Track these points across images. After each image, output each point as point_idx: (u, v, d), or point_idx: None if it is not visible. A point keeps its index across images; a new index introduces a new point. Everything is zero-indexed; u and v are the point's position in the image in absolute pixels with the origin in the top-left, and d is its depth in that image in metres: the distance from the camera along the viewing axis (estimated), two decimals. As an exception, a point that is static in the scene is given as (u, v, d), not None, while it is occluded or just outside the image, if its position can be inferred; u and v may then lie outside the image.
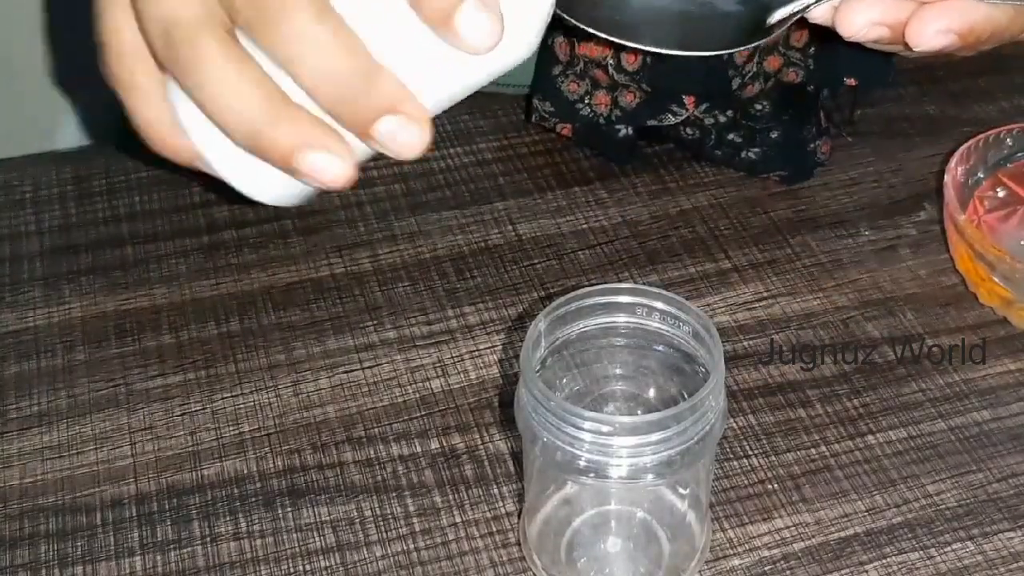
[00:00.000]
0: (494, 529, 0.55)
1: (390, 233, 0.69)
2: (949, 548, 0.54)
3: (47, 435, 0.58)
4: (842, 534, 0.54)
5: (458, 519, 0.55)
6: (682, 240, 0.68)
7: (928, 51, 0.50)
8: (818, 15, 0.51)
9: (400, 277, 0.66)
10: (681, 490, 0.53)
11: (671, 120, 0.70)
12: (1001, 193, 0.66)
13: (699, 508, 0.53)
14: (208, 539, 0.54)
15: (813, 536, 0.54)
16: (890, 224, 0.69)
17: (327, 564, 0.53)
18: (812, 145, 0.71)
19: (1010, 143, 0.67)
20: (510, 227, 0.69)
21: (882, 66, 0.71)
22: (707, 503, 0.53)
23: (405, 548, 0.54)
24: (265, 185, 0.47)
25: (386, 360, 0.62)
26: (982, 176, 0.66)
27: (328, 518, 0.55)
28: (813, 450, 0.58)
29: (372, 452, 0.58)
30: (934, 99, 0.77)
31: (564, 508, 0.54)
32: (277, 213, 0.70)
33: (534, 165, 0.73)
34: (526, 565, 0.53)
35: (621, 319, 0.51)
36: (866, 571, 0.53)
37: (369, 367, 0.62)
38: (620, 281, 0.65)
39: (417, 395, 0.60)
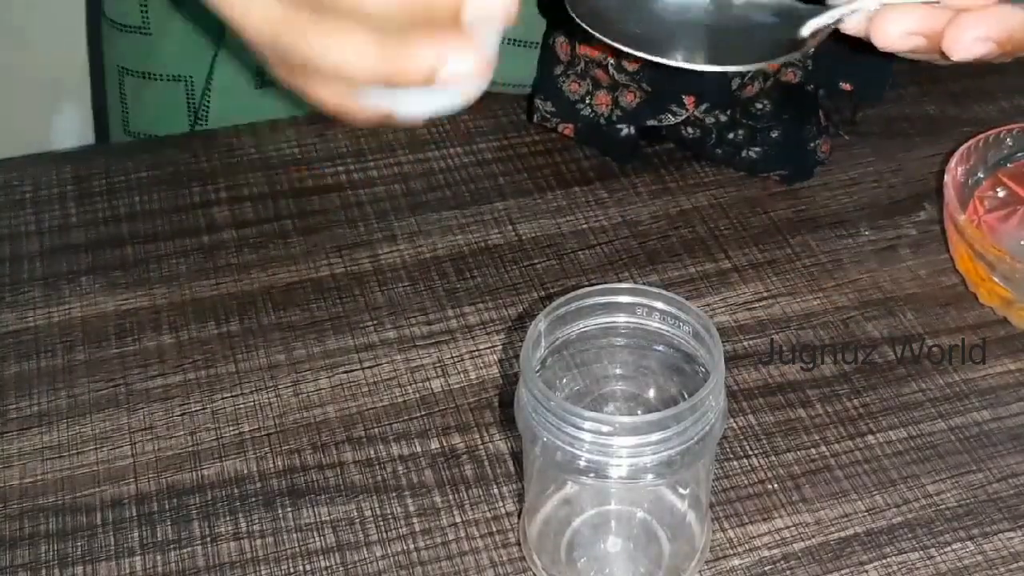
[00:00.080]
0: (494, 529, 0.55)
1: (390, 233, 0.69)
2: (949, 548, 0.54)
3: (47, 435, 0.58)
4: (842, 534, 0.54)
5: (458, 519, 0.55)
6: (682, 240, 0.68)
7: (966, 59, 0.50)
8: (852, 26, 0.50)
9: (400, 277, 0.66)
10: (681, 490, 0.53)
11: (671, 120, 0.70)
12: (1001, 193, 0.66)
13: (699, 508, 0.53)
14: (208, 539, 0.54)
15: (813, 536, 0.54)
16: (890, 224, 0.69)
17: (327, 564, 0.53)
18: (812, 144, 0.71)
19: (1010, 143, 0.67)
20: (510, 227, 0.69)
21: (879, 75, 0.71)
22: (707, 503, 0.53)
23: (405, 548, 0.54)
24: (426, 102, 0.49)
25: (386, 360, 0.62)
26: (982, 176, 0.66)
27: (328, 518, 0.55)
28: (813, 450, 0.58)
29: (372, 452, 0.58)
30: (934, 99, 0.77)
31: (564, 508, 0.54)
32: (277, 213, 0.70)
33: (534, 165, 0.73)
34: (526, 565, 0.53)
35: (621, 319, 0.51)
36: (866, 571, 0.53)
37: (369, 367, 0.62)
38: (620, 281, 0.65)
39: (417, 395, 0.60)
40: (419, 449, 0.58)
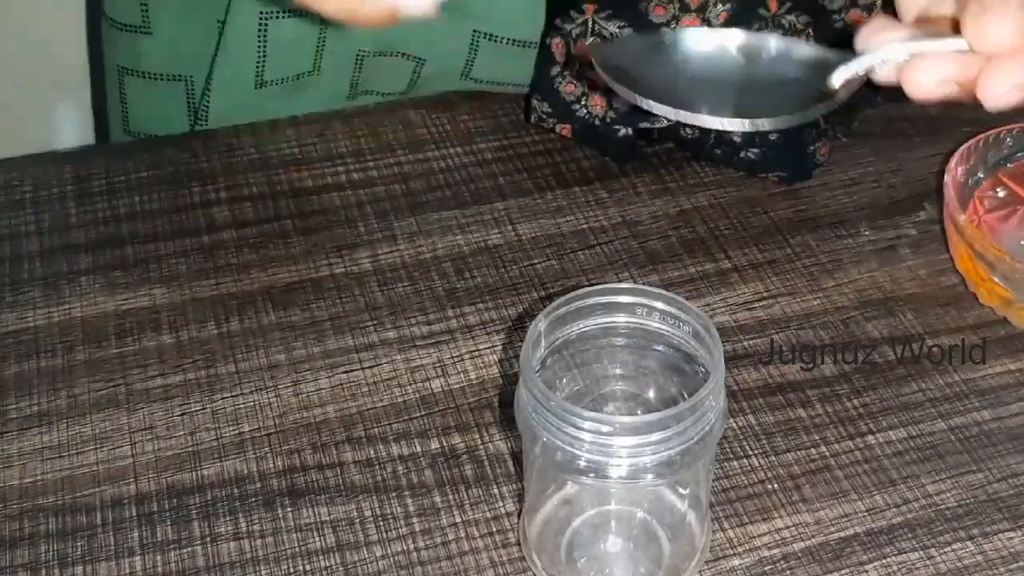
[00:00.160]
0: (494, 529, 0.55)
1: (390, 233, 0.69)
2: (949, 548, 0.54)
3: (47, 435, 0.58)
4: (842, 534, 0.54)
5: (458, 519, 0.55)
6: (682, 240, 0.68)
7: (1002, 108, 0.49)
8: (882, 76, 0.50)
9: (400, 277, 0.66)
10: (681, 490, 0.53)
11: (665, 123, 0.70)
12: (1001, 193, 0.66)
13: (699, 508, 0.53)
14: (208, 539, 0.54)
15: (813, 536, 0.54)
16: (890, 224, 0.69)
17: (327, 564, 0.53)
18: (811, 147, 0.71)
19: (1010, 143, 0.67)
20: (510, 227, 0.69)
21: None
22: (707, 503, 0.53)
23: (405, 548, 0.54)
24: None
25: (386, 360, 0.62)
26: (982, 176, 0.66)
27: (328, 518, 0.55)
28: (813, 450, 0.58)
29: (372, 452, 0.58)
30: (934, 99, 0.77)
31: (564, 508, 0.54)
32: (277, 213, 0.70)
33: (534, 165, 0.73)
34: (526, 565, 0.53)
35: (621, 319, 0.51)
36: (866, 571, 0.53)
37: (369, 367, 0.62)
38: (620, 281, 0.65)
39: (417, 395, 0.60)
40: (419, 449, 0.58)
